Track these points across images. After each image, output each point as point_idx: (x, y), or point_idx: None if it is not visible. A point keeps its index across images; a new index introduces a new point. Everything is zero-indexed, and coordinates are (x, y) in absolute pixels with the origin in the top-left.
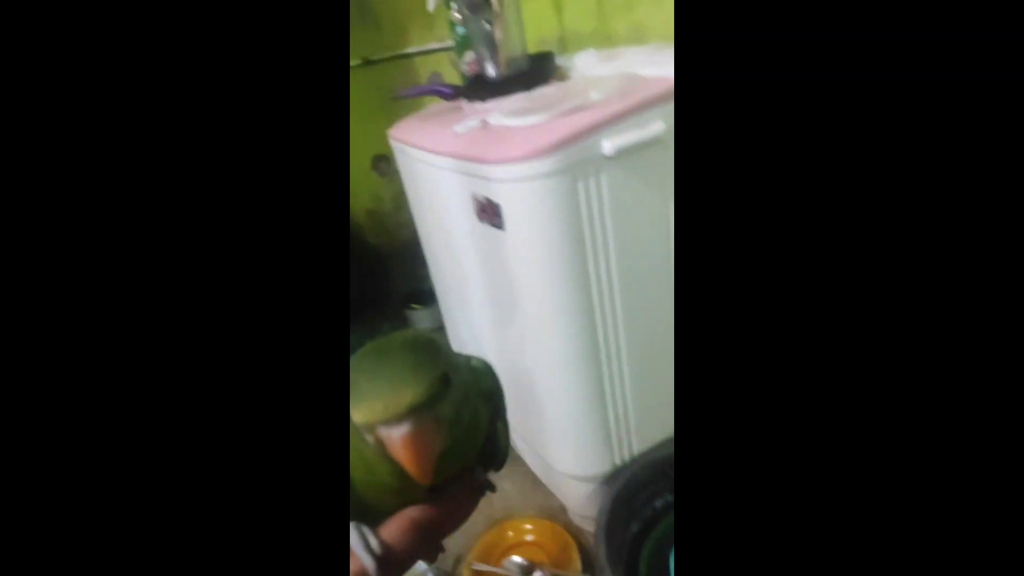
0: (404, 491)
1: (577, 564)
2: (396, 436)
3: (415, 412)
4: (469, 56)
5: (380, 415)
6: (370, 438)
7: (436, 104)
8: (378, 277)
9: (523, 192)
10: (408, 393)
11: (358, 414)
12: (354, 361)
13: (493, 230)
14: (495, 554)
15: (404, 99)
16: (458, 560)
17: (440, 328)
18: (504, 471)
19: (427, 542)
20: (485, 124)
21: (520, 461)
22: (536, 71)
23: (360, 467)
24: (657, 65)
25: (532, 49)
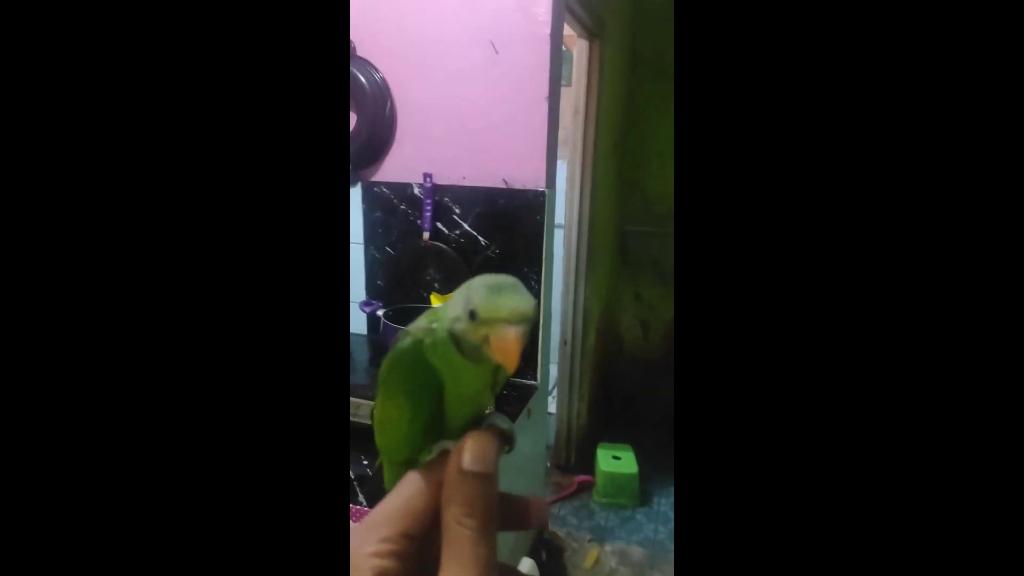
0: (475, 397)
1: None
2: (513, 333)
3: (527, 320)
4: None
5: (506, 315)
6: (481, 333)
7: None
8: None
9: None
10: (526, 306)
11: (486, 311)
12: (479, 279)
13: None
14: None
15: None
16: None
17: None
18: None
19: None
20: None
21: None
22: None
23: (447, 371)
24: None
25: None
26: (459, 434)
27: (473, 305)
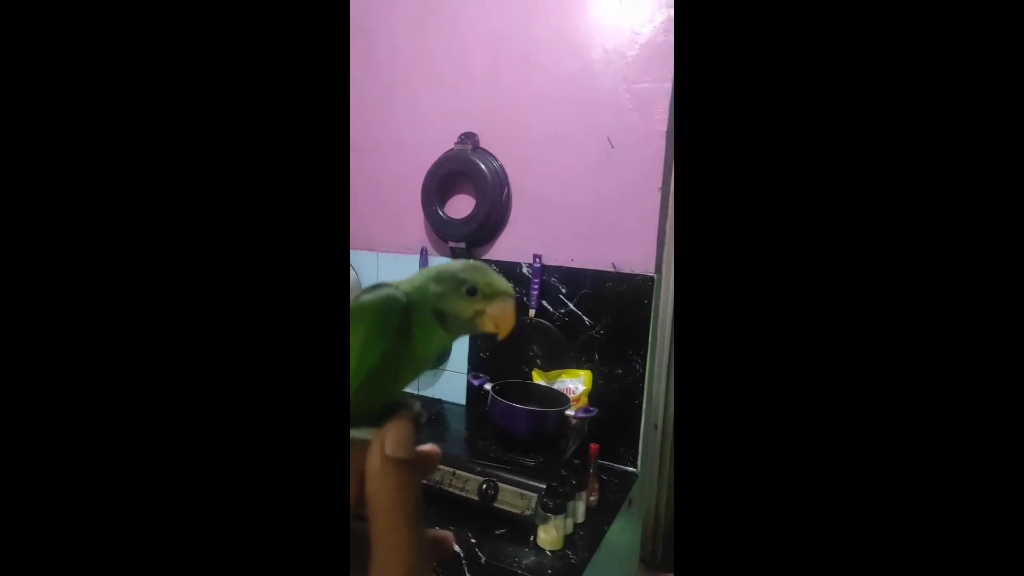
0: (426, 362)
1: None
2: (509, 304)
3: (514, 295)
4: None
5: (505, 289)
6: (476, 308)
7: None
8: None
9: None
10: (509, 283)
11: (487, 287)
12: (469, 264)
13: None
14: None
15: None
16: None
17: None
18: None
19: None
20: None
21: None
22: None
23: (421, 335)
24: None
25: None
26: (398, 392)
27: (472, 283)
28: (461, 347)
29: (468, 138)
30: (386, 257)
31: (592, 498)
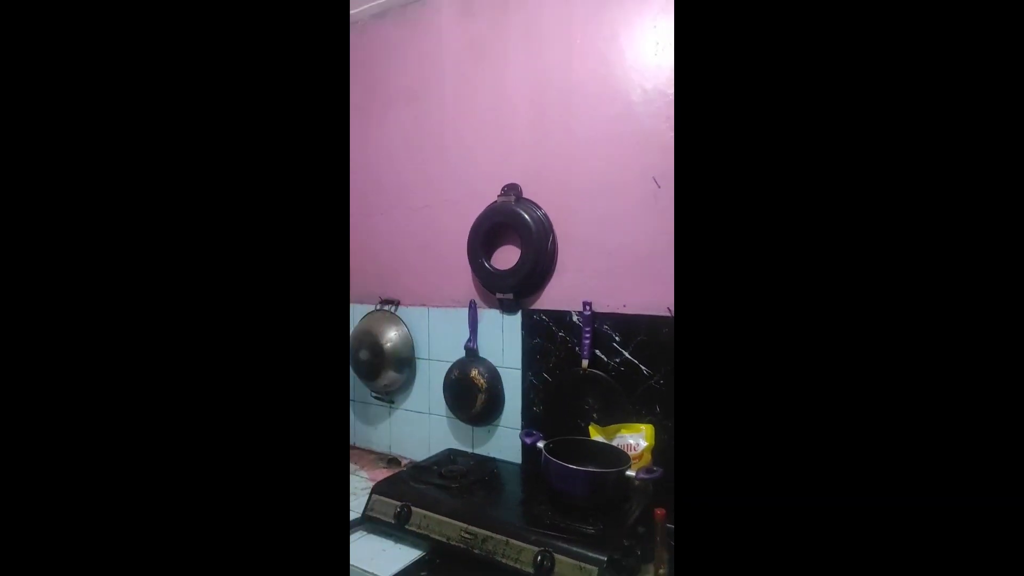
0: None
1: None
2: None
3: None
4: None
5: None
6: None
7: None
8: None
9: None
10: None
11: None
12: None
13: None
14: None
15: None
16: None
17: None
18: None
19: None
20: None
21: None
22: None
23: None
24: None
25: None
26: None
27: None
28: (513, 402)
29: (511, 189)
30: (436, 312)
31: (661, 571)
